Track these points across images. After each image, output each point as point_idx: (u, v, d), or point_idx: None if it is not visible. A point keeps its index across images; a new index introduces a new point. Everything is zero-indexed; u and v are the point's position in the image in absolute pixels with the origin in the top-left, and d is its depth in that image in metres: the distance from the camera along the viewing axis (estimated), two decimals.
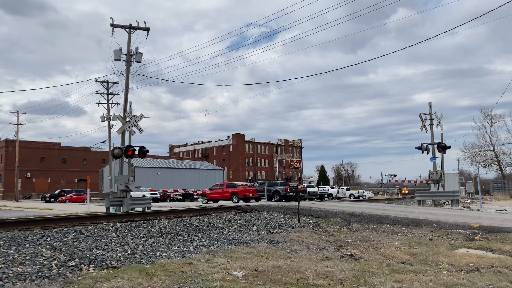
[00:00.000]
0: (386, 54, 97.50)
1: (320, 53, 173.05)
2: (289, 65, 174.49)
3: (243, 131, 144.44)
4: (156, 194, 42.55)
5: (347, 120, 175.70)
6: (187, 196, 49.37)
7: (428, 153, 27.41)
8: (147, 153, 20.80)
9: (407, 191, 65.52)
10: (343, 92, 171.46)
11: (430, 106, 27.84)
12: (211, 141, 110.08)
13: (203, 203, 28.55)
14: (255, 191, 30.99)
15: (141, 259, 7.40)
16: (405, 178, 75.62)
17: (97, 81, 37.58)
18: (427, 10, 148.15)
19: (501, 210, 22.93)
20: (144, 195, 36.94)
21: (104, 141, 63.47)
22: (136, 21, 22.37)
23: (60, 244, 7.94)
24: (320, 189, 46.93)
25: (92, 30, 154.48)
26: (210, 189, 32.90)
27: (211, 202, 31.06)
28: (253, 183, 46.98)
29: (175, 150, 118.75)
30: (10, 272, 5.85)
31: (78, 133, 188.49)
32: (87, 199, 32.53)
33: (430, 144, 27.45)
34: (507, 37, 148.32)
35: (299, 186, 15.81)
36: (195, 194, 50.64)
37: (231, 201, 29.67)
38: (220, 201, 30.83)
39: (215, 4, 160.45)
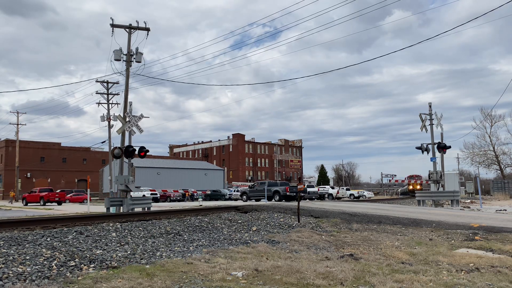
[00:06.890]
0: (386, 54, 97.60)
1: (325, 53, 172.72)
2: (294, 64, 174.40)
3: (246, 131, 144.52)
4: (156, 194, 42.55)
5: (349, 120, 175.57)
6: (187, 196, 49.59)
7: (428, 153, 27.46)
8: (147, 153, 20.80)
9: (420, 188, 45.16)
10: (347, 92, 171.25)
11: (430, 106, 27.89)
12: (211, 141, 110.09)
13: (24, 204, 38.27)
14: (62, 195, 40.28)
15: (141, 259, 7.40)
16: (405, 178, 75.41)
17: (97, 81, 37.63)
18: (426, 10, 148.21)
19: (501, 210, 22.93)
20: (144, 195, 36.93)
21: (104, 141, 63.50)
22: (136, 21, 22.36)
23: (60, 244, 7.93)
24: (320, 189, 46.95)
25: (96, 30, 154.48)
26: (30, 193, 40.91)
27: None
28: (252, 183, 46.97)
29: (175, 150, 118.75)
30: (10, 272, 5.85)
31: (79, 133, 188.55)
32: (87, 199, 32.54)
33: (430, 144, 27.49)
34: None
35: (299, 186, 15.79)
36: (195, 194, 50.81)
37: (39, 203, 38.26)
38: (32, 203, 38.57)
39: (222, 4, 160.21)
